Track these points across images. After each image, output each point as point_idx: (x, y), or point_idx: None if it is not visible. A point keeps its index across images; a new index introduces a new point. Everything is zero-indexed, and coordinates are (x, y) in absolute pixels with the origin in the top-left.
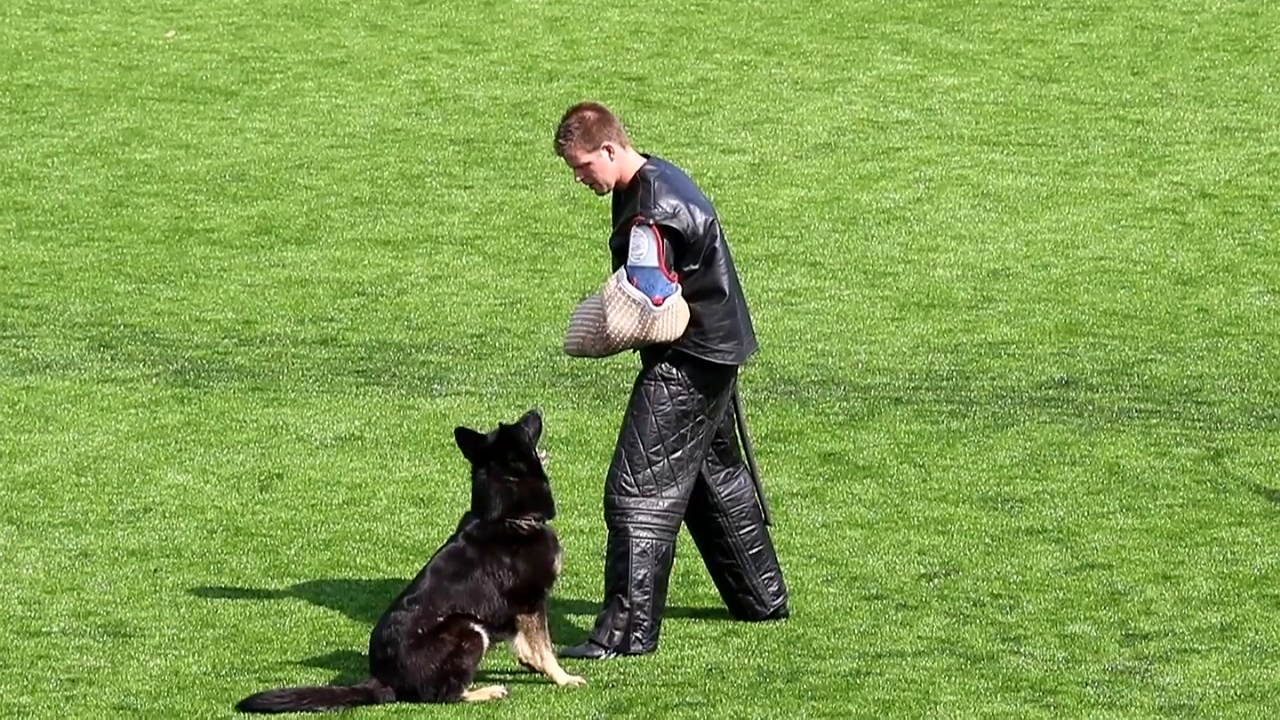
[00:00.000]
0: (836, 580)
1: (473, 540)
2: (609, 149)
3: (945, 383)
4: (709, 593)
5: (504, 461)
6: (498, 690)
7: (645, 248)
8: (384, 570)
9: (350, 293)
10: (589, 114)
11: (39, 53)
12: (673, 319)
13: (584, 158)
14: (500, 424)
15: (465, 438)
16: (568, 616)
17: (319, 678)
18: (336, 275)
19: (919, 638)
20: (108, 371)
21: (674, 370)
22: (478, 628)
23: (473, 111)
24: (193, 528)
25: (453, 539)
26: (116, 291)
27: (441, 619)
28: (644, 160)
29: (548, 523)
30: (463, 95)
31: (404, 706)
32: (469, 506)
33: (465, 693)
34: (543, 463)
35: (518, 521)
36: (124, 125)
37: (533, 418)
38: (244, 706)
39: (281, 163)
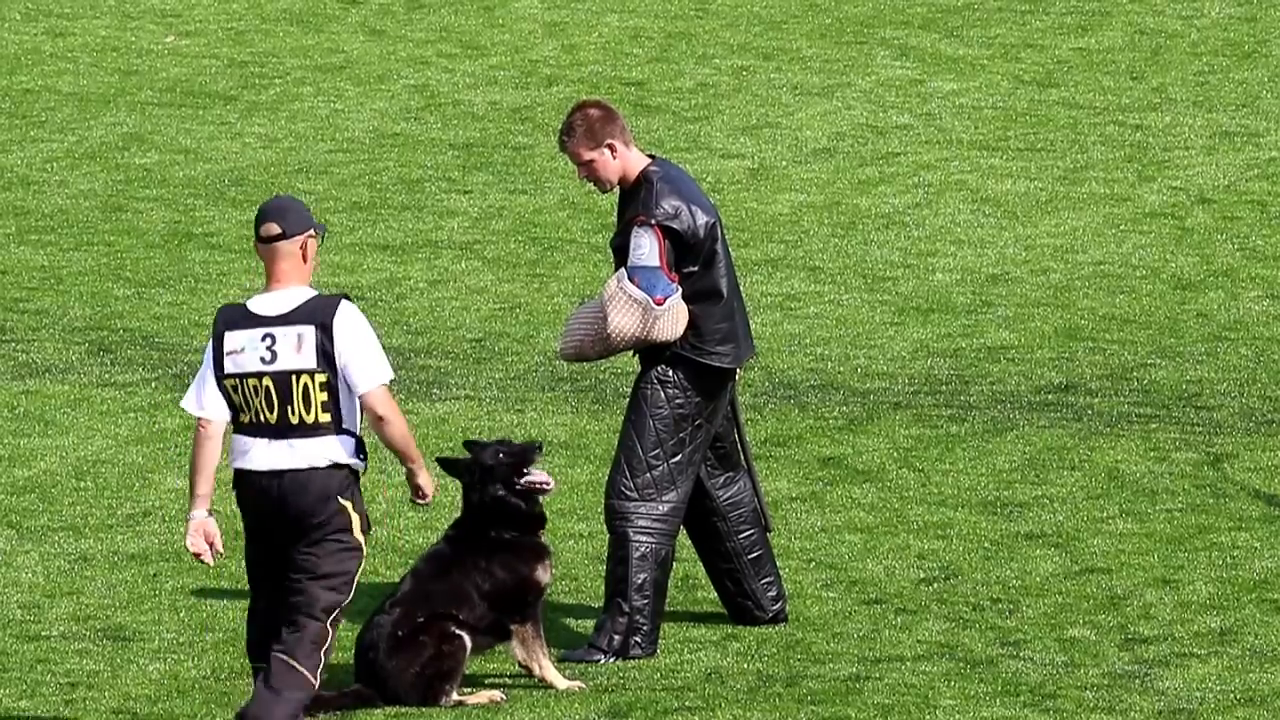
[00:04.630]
0: (836, 585)
1: (455, 543)
2: (612, 147)
3: (944, 387)
4: (708, 597)
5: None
6: (496, 695)
7: (646, 247)
8: (383, 574)
9: (349, 297)
10: (593, 111)
11: (39, 58)
12: (673, 319)
13: (587, 155)
14: (472, 448)
15: (449, 466)
16: (567, 621)
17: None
18: (336, 280)
19: (918, 642)
20: (107, 376)
21: (671, 373)
22: (458, 630)
23: (472, 116)
24: None
25: (436, 544)
26: (116, 296)
27: (421, 620)
28: (648, 161)
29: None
30: (462, 100)
31: (402, 710)
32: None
33: (454, 695)
34: (531, 483)
35: (503, 531)
36: (123, 130)
37: (533, 448)
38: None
39: (280, 167)
